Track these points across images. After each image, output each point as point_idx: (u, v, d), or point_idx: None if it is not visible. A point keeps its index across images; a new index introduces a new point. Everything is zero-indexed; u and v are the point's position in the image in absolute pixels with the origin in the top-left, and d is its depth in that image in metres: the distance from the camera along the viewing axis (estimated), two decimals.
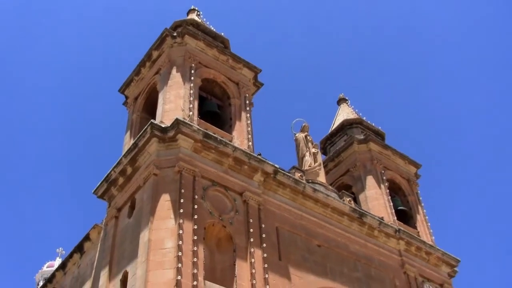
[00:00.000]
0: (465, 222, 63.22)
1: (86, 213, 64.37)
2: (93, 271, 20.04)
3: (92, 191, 20.79)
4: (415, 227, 26.29)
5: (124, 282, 17.35)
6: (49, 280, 24.18)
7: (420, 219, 27.02)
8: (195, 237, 16.84)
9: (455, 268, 25.84)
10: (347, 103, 32.53)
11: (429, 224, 27.20)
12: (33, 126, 69.72)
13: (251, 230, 18.42)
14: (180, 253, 16.20)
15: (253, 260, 17.73)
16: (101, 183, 20.42)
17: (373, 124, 30.58)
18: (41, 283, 26.44)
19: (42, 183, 70.73)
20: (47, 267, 35.70)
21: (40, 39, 67.23)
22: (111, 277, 18.25)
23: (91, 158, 70.60)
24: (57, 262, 25.15)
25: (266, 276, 17.78)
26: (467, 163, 64.31)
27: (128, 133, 22.72)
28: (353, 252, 21.89)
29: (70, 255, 22.74)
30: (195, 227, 17.05)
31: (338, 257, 21.11)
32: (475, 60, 62.29)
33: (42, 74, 68.63)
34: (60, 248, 37.77)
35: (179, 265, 16.00)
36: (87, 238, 21.53)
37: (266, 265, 18.00)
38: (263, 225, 18.96)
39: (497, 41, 60.29)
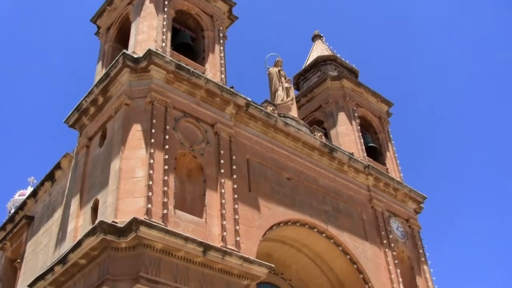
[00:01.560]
0: (433, 161, 64.21)
1: (58, 143, 64.14)
2: (64, 199, 20.18)
3: (63, 120, 20.76)
4: (384, 164, 26.75)
5: (95, 209, 17.55)
6: (21, 207, 24.28)
7: (389, 156, 27.46)
8: (166, 167, 17.01)
9: (421, 205, 26.48)
10: (322, 40, 32.50)
11: (398, 161, 27.69)
12: (5, 55, 68.53)
13: (222, 161, 18.62)
14: (150, 182, 16.39)
15: (223, 191, 18.00)
16: (72, 113, 20.36)
17: (347, 62, 30.68)
18: (12, 211, 26.51)
19: (13, 112, 70.02)
20: (18, 196, 35.79)
21: None
22: (82, 204, 18.43)
23: (63, 88, 69.80)
24: (29, 191, 25.20)
25: (236, 206, 18.10)
26: (438, 103, 64.89)
27: (100, 63, 22.51)
28: (322, 185, 22.28)
29: (41, 183, 22.82)
30: (166, 157, 17.19)
31: (307, 190, 21.50)
32: None
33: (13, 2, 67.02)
34: (32, 177, 37.84)
35: (150, 194, 16.21)
36: (58, 166, 21.59)
37: (236, 196, 18.31)
38: (234, 157, 19.17)
39: None
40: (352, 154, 24.11)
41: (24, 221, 23.08)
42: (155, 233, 15.17)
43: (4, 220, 25.19)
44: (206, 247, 15.96)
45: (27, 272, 21.01)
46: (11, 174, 68.23)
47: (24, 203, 24.15)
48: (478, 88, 62.55)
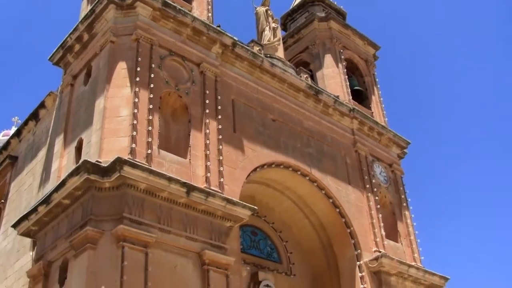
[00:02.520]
0: (418, 106, 64.36)
1: (42, 81, 63.27)
2: (48, 138, 20.02)
3: (48, 58, 20.38)
4: (369, 108, 26.72)
5: (79, 149, 17.42)
6: (4, 147, 24.09)
7: (375, 100, 27.42)
8: (151, 106, 16.84)
9: (405, 150, 26.58)
10: None
11: (383, 105, 27.65)
12: None
13: (207, 101, 18.47)
14: (135, 121, 16.24)
15: (207, 131, 17.91)
16: (56, 50, 19.98)
17: (335, 3, 30.28)
18: None
19: None
20: (2, 136, 35.43)
21: None
22: (66, 144, 18.29)
23: (47, 25, 68.58)
24: (13, 131, 24.93)
25: (220, 147, 18.04)
26: (424, 49, 64.68)
27: None
28: (307, 128, 22.25)
29: (25, 123, 22.60)
30: (151, 96, 17.01)
31: (291, 132, 21.46)
32: None
33: None
34: (16, 117, 37.50)
35: (134, 133, 16.07)
36: (42, 105, 21.34)
37: (220, 137, 18.24)
38: (219, 97, 19.01)
39: None
40: (337, 97, 24.02)
41: (8, 161, 22.94)
42: (139, 173, 15.07)
43: None
44: (190, 188, 15.94)
45: (11, 213, 20.99)
46: None
47: (7, 143, 23.95)
48: (465, 33, 62.29)
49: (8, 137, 24.73)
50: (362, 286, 20.68)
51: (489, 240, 58.48)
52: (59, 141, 18.58)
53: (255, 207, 17.64)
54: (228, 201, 16.77)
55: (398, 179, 25.42)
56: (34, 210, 16.68)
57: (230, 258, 16.42)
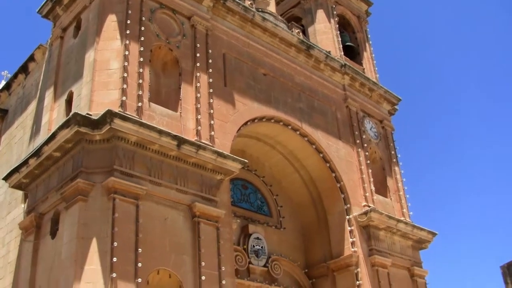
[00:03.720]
0: (408, 63, 64.21)
1: (31, 35, 62.46)
2: (38, 91, 19.95)
3: (37, 11, 20.15)
4: (361, 64, 26.68)
5: (69, 102, 17.41)
6: None
7: (366, 56, 27.36)
8: (141, 59, 16.78)
9: (396, 106, 26.64)
10: None
11: (374, 62, 27.62)
12: None
13: (198, 54, 18.40)
14: (125, 74, 16.21)
15: (198, 85, 17.89)
16: (45, 2, 19.72)
17: None
18: None
19: None
20: None
21: None
22: (56, 97, 18.25)
23: None
24: (2, 84, 24.76)
25: (211, 101, 18.05)
26: (417, 5, 64.28)
27: None
28: (298, 83, 22.23)
29: (15, 76, 22.50)
30: (141, 49, 16.92)
31: (283, 87, 21.45)
32: None
33: None
34: (6, 71, 36.85)
35: (124, 86, 16.06)
36: (31, 58, 21.24)
37: (211, 90, 18.23)
38: (210, 51, 18.93)
39: None
40: (329, 52, 23.94)
41: None
42: (130, 125, 15.11)
43: None
44: (180, 141, 15.99)
45: (2, 166, 20.99)
46: None
47: None
48: None
49: None
50: (351, 239, 20.95)
51: (478, 197, 59.02)
52: (49, 94, 18.52)
53: (246, 160, 17.76)
54: (219, 154, 16.83)
55: (389, 135, 25.57)
56: (25, 163, 16.72)
57: (220, 211, 16.59)
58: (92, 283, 13.73)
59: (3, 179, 17.91)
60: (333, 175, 21.78)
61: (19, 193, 18.43)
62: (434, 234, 23.64)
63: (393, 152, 25.15)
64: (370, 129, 24.60)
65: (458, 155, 60.63)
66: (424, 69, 62.73)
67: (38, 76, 20.41)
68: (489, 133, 59.01)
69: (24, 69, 21.78)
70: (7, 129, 22.10)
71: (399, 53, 63.48)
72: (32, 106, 20.30)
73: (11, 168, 17.51)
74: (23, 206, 18.06)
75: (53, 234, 15.44)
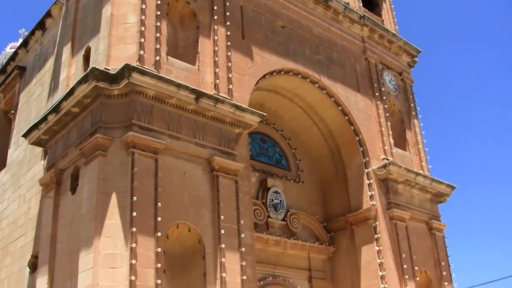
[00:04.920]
0: (428, 14, 63.26)
1: None
2: (56, 47, 19.91)
3: None
4: (380, 15, 26.27)
5: (87, 57, 17.32)
6: (12, 58, 24.03)
7: (385, 7, 26.95)
8: (158, 13, 16.57)
9: (415, 58, 26.30)
10: None
11: (394, 13, 27.18)
12: None
13: (215, 7, 18.16)
14: (142, 28, 16.03)
15: (216, 38, 17.70)
16: None
17: None
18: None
19: None
20: (10, 49, 35.17)
21: None
22: (73, 53, 18.18)
23: None
24: (20, 42, 24.77)
25: (229, 54, 17.87)
26: None
27: None
28: (317, 35, 21.94)
29: (32, 33, 22.46)
30: (158, 2, 16.66)
31: (301, 39, 21.16)
32: None
33: None
34: (23, 29, 36.95)
35: (142, 40, 15.89)
36: (48, 14, 21.14)
37: (229, 43, 18.04)
38: (227, 3, 18.65)
39: None
40: (347, 3, 23.53)
41: (16, 72, 22.95)
42: (148, 79, 15.02)
43: None
44: (199, 94, 15.91)
45: (22, 123, 21.14)
46: (1, 27, 67.05)
47: (15, 54, 23.88)
48: None
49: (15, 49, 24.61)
50: (369, 193, 20.93)
51: (497, 150, 58.65)
52: (66, 50, 18.46)
53: (264, 113, 17.67)
54: (237, 107, 16.76)
55: (408, 87, 25.30)
56: (44, 119, 16.75)
57: (239, 164, 16.59)
58: (113, 237, 13.85)
59: (22, 136, 18.00)
60: (352, 128, 21.66)
61: (39, 150, 18.56)
62: (453, 188, 23.54)
63: (412, 105, 24.91)
64: (389, 82, 24.35)
65: (478, 107, 60.16)
66: (444, 21, 61.87)
67: (55, 33, 20.34)
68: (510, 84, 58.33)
69: (41, 25, 21.71)
70: (26, 86, 22.17)
71: (419, 4, 62.54)
72: (50, 63, 20.28)
73: (30, 125, 17.57)
74: (43, 162, 18.20)
75: (73, 189, 15.53)
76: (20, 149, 20.65)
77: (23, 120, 21.18)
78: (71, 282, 14.23)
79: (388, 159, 21.47)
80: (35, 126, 17.15)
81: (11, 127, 22.41)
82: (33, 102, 20.87)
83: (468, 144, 60.23)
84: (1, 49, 39.29)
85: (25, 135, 17.69)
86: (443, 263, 21.93)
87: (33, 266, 17.27)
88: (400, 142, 23.46)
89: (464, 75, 60.41)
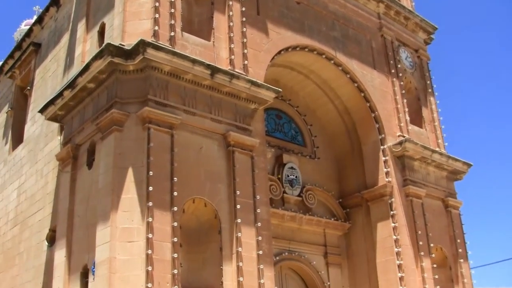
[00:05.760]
0: None
1: None
2: (70, 24, 19.91)
3: None
4: None
5: (101, 33, 17.31)
6: (27, 35, 24.08)
7: None
8: None
9: (431, 35, 26.04)
10: None
11: None
12: None
13: None
14: (157, 4, 15.96)
15: (231, 13, 17.59)
16: None
17: None
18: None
19: None
20: (24, 26, 35.24)
21: None
22: (88, 28, 18.16)
23: None
24: (34, 19, 24.84)
25: (244, 29, 17.78)
26: None
27: None
28: (332, 11, 21.74)
29: (47, 9, 22.50)
30: None
31: (316, 15, 20.98)
32: None
33: None
34: (37, 6, 37.08)
35: (157, 15, 15.84)
36: None
37: (244, 19, 17.93)
38: None
39: None
40: None
41: (32, 48, 23.01)
42: (163, 55, 14.99)
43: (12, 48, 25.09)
44: (214, 70, 15.88)
45: (38, 99, 21.26)
46: (16, 4, 67.09)
47: (30, 30, 23.93)
48: None
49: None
50: (385, 170, 20.88)
51: None
52: (81, 26, 18.44)
53: (280, 89, 17.61)
54: (253, 83, 16.71)
55: (424, 64, 25.09)
56: (60, 94, 16.82)
57: (254, 140, 16.59)
58: (129, 211, 13.96)
59: (38, 111, 18.10)
60: (368, 104, 21.56)
61: (55, 125, 18.66)
62: (469, 165, 23.43)
63: (428, 82, 24.71)
64: (406, 59, 24.16)
65: (495, 85, 59.66)
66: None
67: (70, 8, 20.32)
68: None
69: (55, 2, 21.74)
70: (41, 62, 22.24)
71: None
72: (65, 39, 20.31)
73: (46, 101, 17.64)
74: (59, 138, 18.32)
75: (90, 164, 15.64)
76: (36, 124, 20.78)
77: (39, 96, 21.29)
78: (89, 255, 14.42)
79: (404, 136, 21.38)
80: (51, 102, 17.23)
81: (27, 103, 22.57)
82: (49, 78, 20.95)
83: (484, 121, 59.88)
84: (16, 26, 39.50)
85: (41, 111, 17.79)
86: (459, 241, 21.93)
87: (51, 239, 17.51)
88: (416, 119, 23.33)
89: (481, 52, 59.86)
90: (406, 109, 22.50)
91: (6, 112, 24.30)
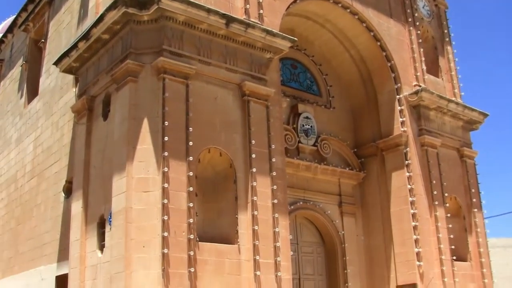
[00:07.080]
0: None
1: None
2: None
3: None
4: None
5: None
6: None
7: None
8: None
9: None
10: None
11: None
12: None
13: None
14: None
15: None
16: None
17: None
18: None
19: None
20: None
21: None
22: None
23: None
24: None
25: None
26: None
27: None
28: None
29: None
30: None
31: None
32: None
33: None
34: None
35: None
36: None
37: None
38: None
39: None
40: None
41: (45, 1, 22.82)
42: (177, 4, 14.84)
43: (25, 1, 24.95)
44: (229, 19, 15.73)
45: (52, 51, 21.20)
46: None
47: None
48: None
49: None
50: (401, 119, 20.78)
51: None
52: None
53: (295, 38, 17.43)
54: (268, 32, 16.56)
55: (442, 13, 24.69)
56: (74, 46, 16.79)
57: (270, 89, 16.53)
58: (145, 162, 14.07)
59: (53, 64, 18.12)
60: (384, 54, 21.31)
61: (70, 77, 18.67)
62: (485, 115, 23.28)
63: (445, 31, 24.36)
64: (423, 7, 23.79)
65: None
66: None
67: None
68: None
69: None
70: (55, 15, 22.09)
71: None
72: None
73: (61, 53, 17.62)
74: (74, 90, 18.35)
75: (105, 115, 15.72)
76: (51, 77, 20.80)
77: (53, 49, 21.24)
78: (105, 206, 14.61)
79: (420, 86, 21.21)
80: (66, 54, 17.22)
81: (42, 55, 22.53)
82: (63, 30, 20.86)
83: (501, 72, 59.18)
84: None
85: (56, 63, 17.80)
86: (473, 190, 21.96)
87: (68, 191, 17.69)
88: (433, 68, 23.10)
89: (499, 1, 58.76)
90: (423, 59, 22.25)
91: (21, 66, 24.30)
